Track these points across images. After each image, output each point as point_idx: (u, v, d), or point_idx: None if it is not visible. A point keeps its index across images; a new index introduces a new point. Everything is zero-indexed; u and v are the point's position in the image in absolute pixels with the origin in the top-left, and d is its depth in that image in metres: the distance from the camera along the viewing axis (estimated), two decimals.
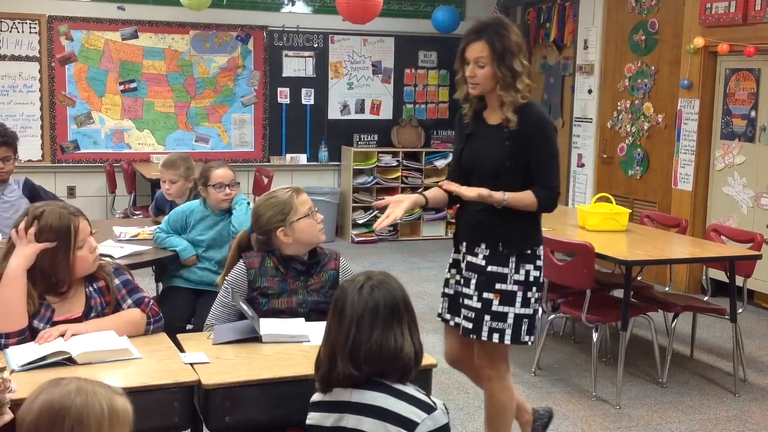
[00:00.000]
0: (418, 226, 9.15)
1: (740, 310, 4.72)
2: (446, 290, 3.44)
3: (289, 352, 2.70)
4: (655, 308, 4.85)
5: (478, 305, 3.23)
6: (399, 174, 8.91)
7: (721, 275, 5.06)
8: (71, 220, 2.65)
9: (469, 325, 3.26)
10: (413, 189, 8.96)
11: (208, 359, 2.58)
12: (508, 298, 3.20)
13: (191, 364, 2.53)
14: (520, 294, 3.21)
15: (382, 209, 3.14)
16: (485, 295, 3.22)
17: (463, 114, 3.34)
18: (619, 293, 4.89)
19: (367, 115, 9.15)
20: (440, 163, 8.98)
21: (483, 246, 3.23)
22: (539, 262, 3.26)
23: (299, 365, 2.57)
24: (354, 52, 9.04)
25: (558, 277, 4.60)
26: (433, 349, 5.17)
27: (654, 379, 4.79)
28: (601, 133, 7.95)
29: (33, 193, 4.58)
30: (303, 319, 2.96)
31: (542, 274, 3.28)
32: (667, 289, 5.40)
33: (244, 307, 2.86)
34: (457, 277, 3.37)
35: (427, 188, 9.13)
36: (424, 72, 9.33)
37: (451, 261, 3.42)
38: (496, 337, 3.22)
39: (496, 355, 3.29)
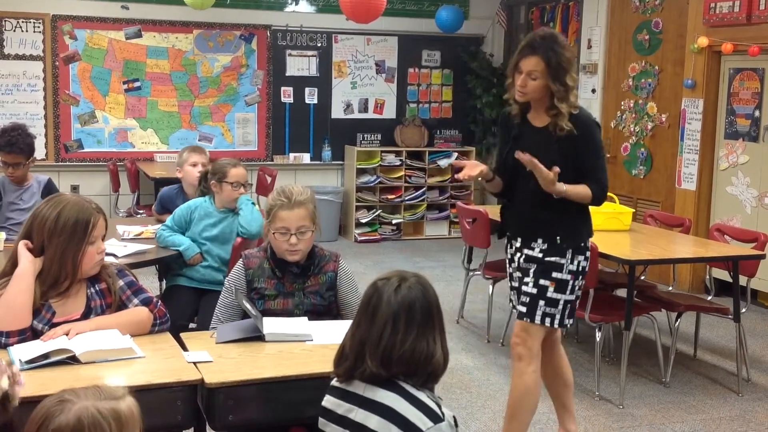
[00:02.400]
0: (421, 225, 9.15)
1: (744, 310, 4.71)
2: (512, 283, 3.66)
3: (292, 351, 2.70)
4: (658, 308, 4.84)
5: (534, 291, 3.46)
6: (402, 173, 8.91)
7: (724, 275, 5.05)
8: (92, 213, 2.67)
9: (524, 309, 3.49)
10: (416, 188, 8.97)
11: (212, 358, 2.59)
12: (562, 286, 3.45)
13: (194, 363, 2.53)
14: (571, 283, 3.46)
15: (458, 170, 3.49)
16: (542, 282, 3.45)
17: (508, 115, 3.57)
18: (622, 293, 4.88)
19: (370, 115, 9.16)
20: (443, 163, 8.98)
21: (540, 241, 3.45)
22: (588, 253, 3.52)
23: (302, 364, 2.58)
24: (357, 52, 9.04)
25: None
26: None
27: (657, 378, 4.78)
28: (605, 133, 7.93)
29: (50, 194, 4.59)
30: (306, 319, 2.96)
31: (589, 263, 3.53)
32: (670, 288, 5.40)
33: (248, 305, 2.86)
34: (513, 267, 3.60)
35: (430, 188, 9.19)
36: (427, 71, 9.33)
37: (508, 257, 3.66)
38: (548, 321, 3.47)
39: (533, 336, 3.49)
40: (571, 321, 3.54)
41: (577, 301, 3.55)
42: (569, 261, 3.44)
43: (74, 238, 2.62)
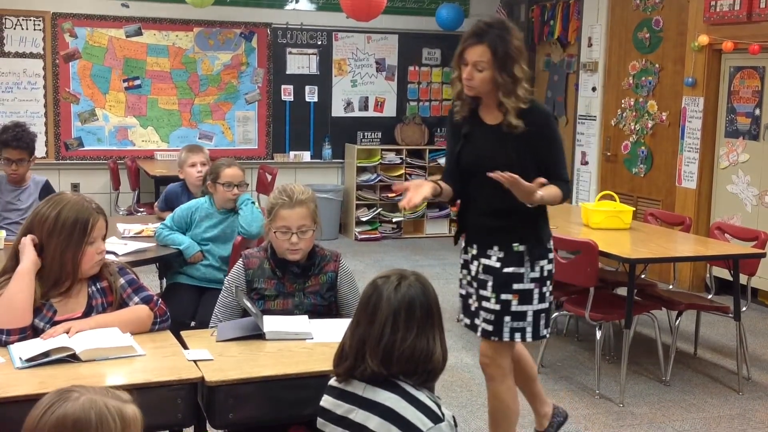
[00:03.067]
0: (421, 223, 9.15)
1: (744, 309, 4.71)
2: (460, 291, 3.45)
3: (293, 349, 2.70)
4: (658, 306, 4.84)
5: (497, 307, 3.22)
6: (402, 171, 8.90)
7: (725, 273, 5.06)
8: (91, 213, 2.66)
9: (490, 327, 3.25)
10: None
11: (212, 356, 2.58)
12: (526, 297, 3.21)
13: (195, 361, 2.53)
14: (536, 291, 3.23)
15: (402, 193, 3.17)
16: (503, 296, 3.21)
17: (455, 112, 3.29)
18: (622, 291, 4.88)
19: (370, 113, 9.15)
20: (444, 161, 8.95)
21: (496, 248, 3.22)
22: (551, 255, 3.29)
23: (303, 363, 2.57)
24: (358, 50, 9.03)
25: (562, 275, 4.59)
26: None
27: (657, 377, 4.78)
28: (605, 131, 7.94)
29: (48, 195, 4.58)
30: (306, 317, 2.96)
31: (553, 266, 3.31)
32: (670, 287, 5.40)
33: (248, 304, 2.86)
34: (468, 278, 3.37)
35: None
36: (427, 69, 9.33)
37: (461, 262, 3.41)
38: (518, 336, 3.24)
39: (502, 353, 3.30)
40: (548, 331, 3.32)
41: (552, 308, 3.32)
42: (529, 269, 3.20)
43: (73, 238, 2.62)
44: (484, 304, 3.26)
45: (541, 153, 3.15)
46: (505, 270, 3.20)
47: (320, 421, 2.19)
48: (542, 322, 3.26)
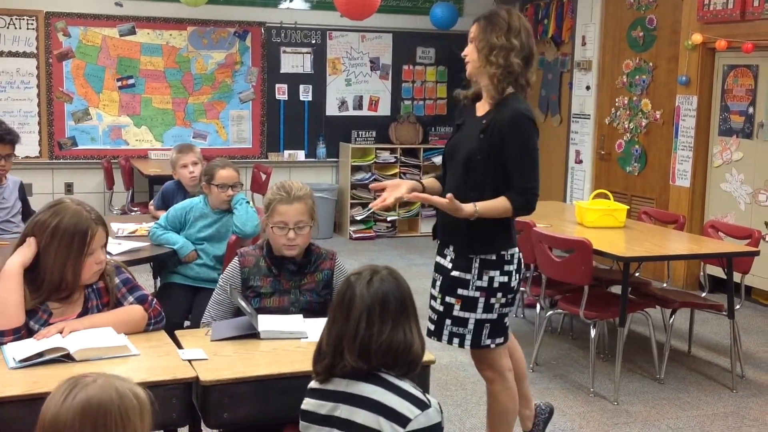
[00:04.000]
0: (416, 222, 9.15)
1: (738, 307, 4.72)
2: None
3: (287, 348, 2.70)
4: (653, 304, 4.85)
5: (441, 308, 3.19)
6: (397, 170, 8.90)
7: (718, 271, 5.07)
8: (90, 224, 2.63)
9: (432, 327, 3.24)
10: None
11: (206, 356, 2.58)
12: (469, 304, 3.13)
13: (189, 361, 2.53)
14: (482, 300, 3.12)
15: (380, 192, 3.09)
16: (447, 299, 3.17)
17: (461, 100, 3.31)
18: (617, 289, 4.89)
19: (365, 112, 9.15)
20: (438, 160, 8.97)
21: (451, 248, 3.18)
22: (509, 267, 3.12)
23: (297, 362, 2.57)
24: (352, 49, 9.03)
25: (556, 274, 4.60)
26: (431, 345, 5.17)
27: (652, 375, 4.79)
28: (599, 130, 7.95)
29: (24, 197, 4.58)
30: (301, 316, 2.96)
31: (514, 279, 3.15)
32: (665, 285, 5.41)
33: (243, 303, 2.86)
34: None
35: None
36: (422, 68, 9.33)
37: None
38: (456, 341, 3.18)
39: (489, 357, 3.25)
40: (496, 340, 3.17)
41: (504, 319, 3.17)
42: (476, 276, 3.09)
43: (72, 249, 2.60)
44: (431, 302, 3.25)
45: (504, 155, 3.03)
46: (453, 273, 3.15)
47: (303, 424, 2.18)
48: (485, 332, 3.14)
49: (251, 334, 2.79)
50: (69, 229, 2.60)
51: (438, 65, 9.35)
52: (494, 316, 3.14)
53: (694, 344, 5.34)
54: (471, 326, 3.14)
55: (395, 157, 8.93)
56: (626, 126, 7.58)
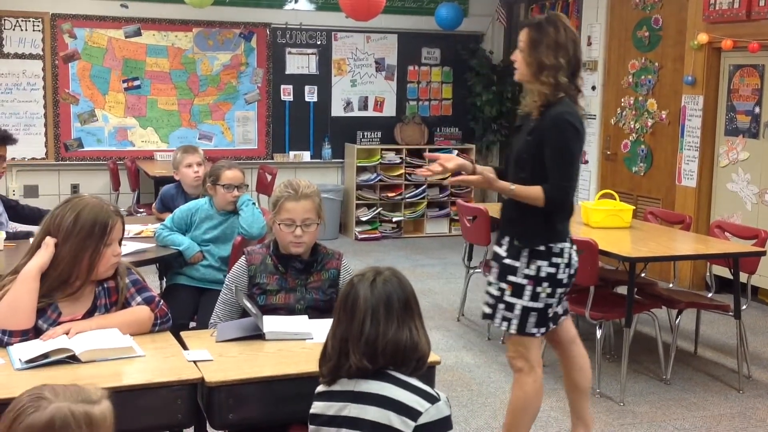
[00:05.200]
0: (421, 223, 9.15)
1: (744, 307, 4.71)
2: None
3: (293, 349, 2.70)
4: (659, 305, 4.84)
5: (497, 293, 3.40)
6: (402, 171, 8.90)
7: (725, 272, 5.05)
8: (110, 215, 2.66)
9: (488, 311, 3.44)
10: (417, 186, 8.97)
11: (212, 357, 2.58)
12: (517, 291, 3.32)
13: (195, 362, 2.53)
14: (529, 288, 3.31)
15: (432, 161, 3.41)
16: (501, 284, 3.38)
17: (521, 106, 3.51)
18: (622, 290, 4.88)
19: (370, 113, 9.15)
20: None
21: (507, 238, 3.39)
22: (557, 260, 3.30)
23: (302, 363, 2.57)
24: (357, 49, 9.03)
25: None
26: (437, 346, 5.18)
27: (658, 375, 4.78)
28: (605, 130, 7.94)
29: (5, 201, 4.57)
30: (306, 317, 2.96)
31: (562, 272, 3.32)
32: (671, 285, 5.40)
33: (248, 304, 2.86)
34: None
35: (430, 186, 9.18)
36: (427, 69, 9.33)
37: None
38: (504, 325, 3.37)
39: (523, 347, 3.39)
40: (539, 330, 3.35)
41: (549, 310, 3.35)
42: (524, 264, 3.29)
43: (92, 239, 2.62)
44: (488, 288, 3.45)
45: (544, 154, 3.26)
46: (506, 260, 3.35)
47: (312, 428, 2.19)
48: (531, 320, 3.32)
49: (256, 335, 2.79)
50: (89, 219, 2.62)
51: (443, 66, 9.34)
52: (540, 305, 3.32)
53: (701, 345, 5.33)
54: (518, 312, 3.33)
55: (400, 158, 8.93)
56: (632, 126, 7.57)
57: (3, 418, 1.61)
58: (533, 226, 3.29)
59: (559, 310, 3.45)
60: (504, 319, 3.36)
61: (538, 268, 3.29)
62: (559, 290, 3.35)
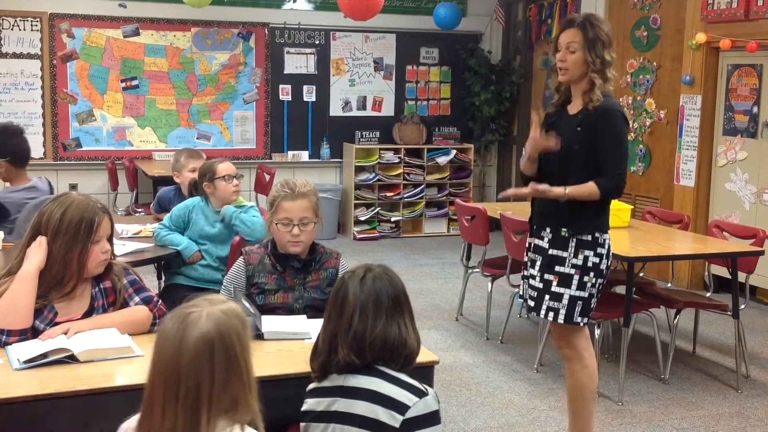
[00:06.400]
0: (420, 223, 9.15)
1: (742, 307, 4.71)
2: (523, 271, 3.68)
3: (291, 349, 2.70)
4: (657, 305, 4.84)
5: (540, 285, 3.48)
6: (401, 171, 8.91)
7: (723, 271, 5.05)
8: (96, 212, 2.67)
9: (533, 303, 3.53)
10: (415, 186, 8.97)
11: None
12: (565, 281, 3.42)
13: None
14: (576, 277, 3.41)
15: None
16: (546, 276, 3.45)
17: (551, 104, 3.59)
18: (621, 290, 4.88)
19: (368, 112, 9.15)
20: (442, 160, 8.98)
21: (548, 230, 3.46)
22: (601, 250, 3.42)
23: (301, 362, 2.56)
24: (356, 49, 9.03)
25: None
26: (435, 346, 5.18)
27: (656, 375, 4.78)
28: None
29: None
30: (305, 316, 2.96)
31: (605, 262, 3.43)
32: (669, 285, 5.40)
33: (246, 304, 2.86)
34: (528, 261, 3.61)
35: (429, 185, 9.17)
36: (425, 68, 9.33)
37: (527, 244, 3.67)
38: (551, 315, 3.46)
39: (569, 335, 3.49)
40: (583, 320, 3.46)
41: (592, 300, 3.46)
42: (572, 254, 3.40)
43: (79, 237, 2.62)
44: (531, 281, 3.53)
45: (598, 145, 3.34)
46: (550, 252, 3.44)
47: (303, 425, 2.20)
48: (578, 309, 3.42)
49: (255, 334, 2.79)
50: (75, 217, 2.63)
51: (442, 65, 9.35)
52: (586, 294, 3.42)
53: (699, 344, 5.33)
54: (565, 302, 3.42)
55: (399, 158, 8.93)
56: (630, 126, 7.57)
57: (157, 351, 1.74)
58: (580, 217, 3.38)
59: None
60: (550, 309, 3.45)
61: (585, 258, 3.39)
62: (600, 280, 3.45)
